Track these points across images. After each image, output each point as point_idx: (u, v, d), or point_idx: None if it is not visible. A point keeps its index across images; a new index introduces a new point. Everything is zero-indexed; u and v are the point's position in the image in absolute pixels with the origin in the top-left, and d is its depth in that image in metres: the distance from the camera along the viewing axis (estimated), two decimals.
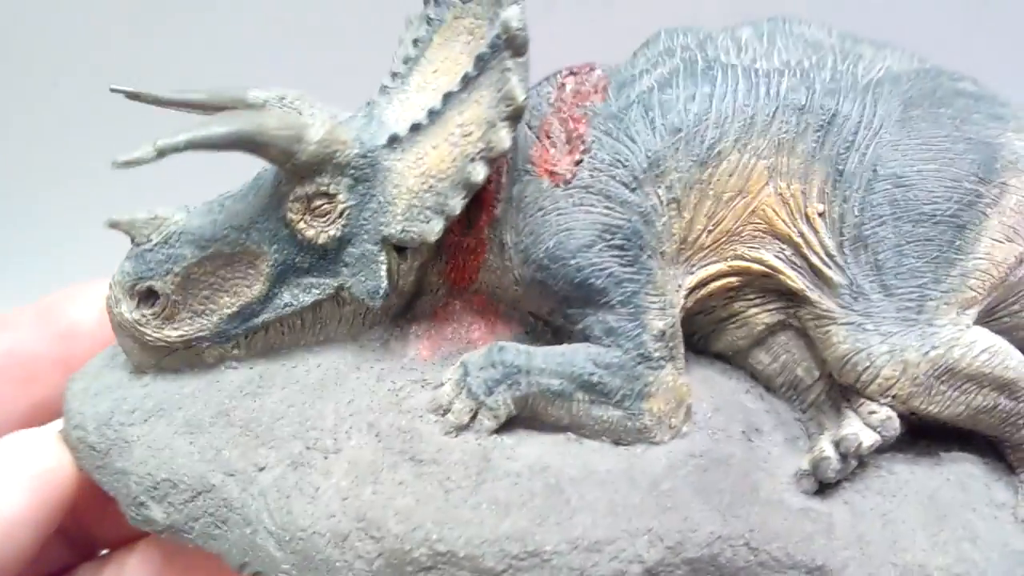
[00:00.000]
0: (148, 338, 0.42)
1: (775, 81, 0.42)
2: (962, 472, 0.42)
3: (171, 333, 0.42)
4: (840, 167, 0.41)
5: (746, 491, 0.40)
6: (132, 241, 0.42)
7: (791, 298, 0.43)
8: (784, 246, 0.42)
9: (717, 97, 0.42)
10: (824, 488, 0.41)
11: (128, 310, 0.42)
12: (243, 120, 0.39)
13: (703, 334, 0.45)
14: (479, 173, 0.40)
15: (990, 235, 0.40)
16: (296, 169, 0.40)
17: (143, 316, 0.42)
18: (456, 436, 0.40)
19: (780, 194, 0.42)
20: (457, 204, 0.41)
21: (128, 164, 0.37)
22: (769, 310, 0.44)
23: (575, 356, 0.41)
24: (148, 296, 0.42)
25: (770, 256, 0.42)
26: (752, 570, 0.38)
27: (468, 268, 0.45)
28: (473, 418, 0.41)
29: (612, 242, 0.41)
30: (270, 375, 0.43)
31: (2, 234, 0.98)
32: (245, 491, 0.39)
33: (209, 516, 0.39)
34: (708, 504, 0.39)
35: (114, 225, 0.42)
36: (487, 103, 0.40)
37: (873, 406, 0.40)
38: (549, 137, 0.43)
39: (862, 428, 0.40)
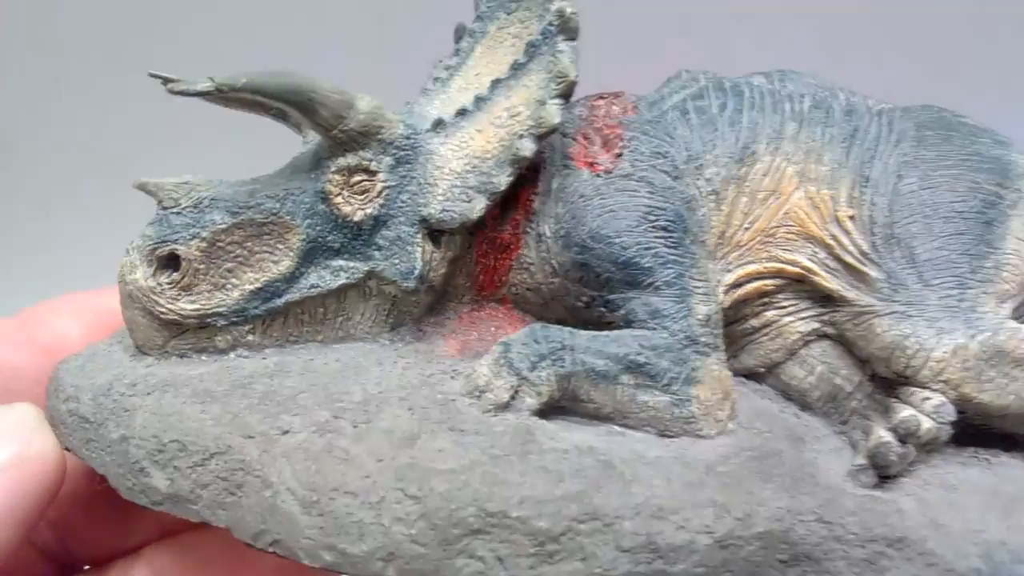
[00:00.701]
0: (161, 309, 0.39)
1: (797, 101, 0.45)
2: (1015, 476, 0.41)
3: (186, 306, 0.39)
4: (866, 174, 0.43)
5: (806, 477, 0.37)
6: (159, 204, 0.40)
7: (825, 304, 0.43)
8: (817, 248, 0.43)
9: (747, 106, 0.44)
10: (883, 482, 0.38)
11: (144, 276, 0.39)
12: (301, 77, 0.39)
13: (735, 349, 0.44)
14: (528, 148, 0.40)
15: (1015, 234, 0.42)
16: (343, 136, 0.40)
17: (159, 284, 0.39)
18: (496, 416, 0.37)
19: (811, 198, 0.43)
20: (503, 180, 0.40)
21: (185, 92, 0.36)
22: (803, 318, 0.43)
23: (620, 337, 0.40)
24: (168, 264, 0.39)
25: (804, 258, 0.43)
26: (827, 546, 0.35)
27: (499, 269, 0.44)
28: (514, 396, 0.38)
29: (657, 223, 0.41)
30: (286, 364, 0.40)
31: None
32: (266, 452, 0.35)
33: (221, 481, 0.34)
34: (771, 484, 0.36)
35: (142, 187, 0.40)
36: (536, 85, 0.41)
37: (926, 393, 0.39)
38: (587, 139, 0.44)
39: (918, 413, 0.39)
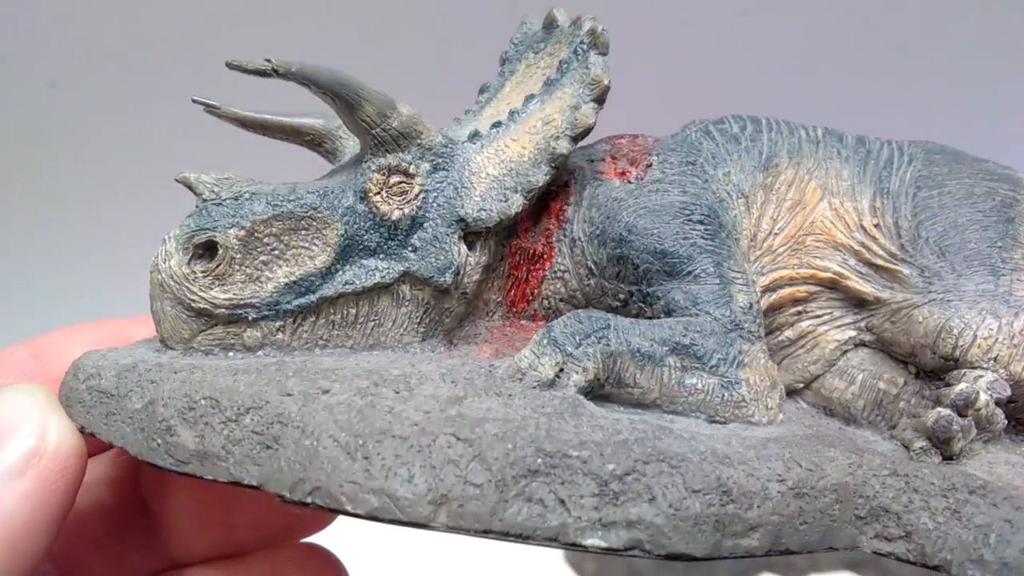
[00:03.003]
0: (193, 297, 0.38)
1: (810, 129, 0.47)
2: None
3: (219, 295, 0.38)
4: (884, 186, 0.44)
5: (869, 448, 0.36)
6: (199, 197, 0.40)
7: (860, 309, 0.43)
8: (846, 255, 0.43)
9: (765, 128, 0.46)
10: (946, 463, 0.37)
11: (178, 263, 0.38)
12: (349, 74, 0.40)
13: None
14: (564, 147, 0.41)
15: None
16: (385, 136, 0.41)
17: (193, 272, 0.38)
18: (541, 390, 0.36)
19: (835, 210, 0.44)
20: (540, 179, 0.41)
21: (243, 70, 0.37)
22: (839, 326, 0.43)
23: (664, 322, 0.39)
24: (204, 253, 0.39)
25: (835, 264, 0.43)
26: (906, 498, 0.33)
27: (531, 281, 0.44)
28: (559, 374, 0.36)
29: (692, 217, 0.41)
30: (315, 362, 0.38)
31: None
32: (305, 407, 0.33)
33: (256, 436, 0.32)
34: (835, 448, 0.35)
35: (183, 180, 0.40)
36: (570, 94, 0.43)
37: (977, 371, 0.39)
38: (614, 159, 0.45)
39: (974, 385, 0.38)
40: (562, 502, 0.30)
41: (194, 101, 0.43)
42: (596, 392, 0.37)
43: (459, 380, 0.35)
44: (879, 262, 0.42)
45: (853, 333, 0.43)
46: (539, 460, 0.30)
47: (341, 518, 0.36)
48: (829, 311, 0.43)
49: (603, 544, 0.30)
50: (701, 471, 0.31)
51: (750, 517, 0.31)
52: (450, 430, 0.31)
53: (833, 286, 0.43)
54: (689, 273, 0.40)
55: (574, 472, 0.30)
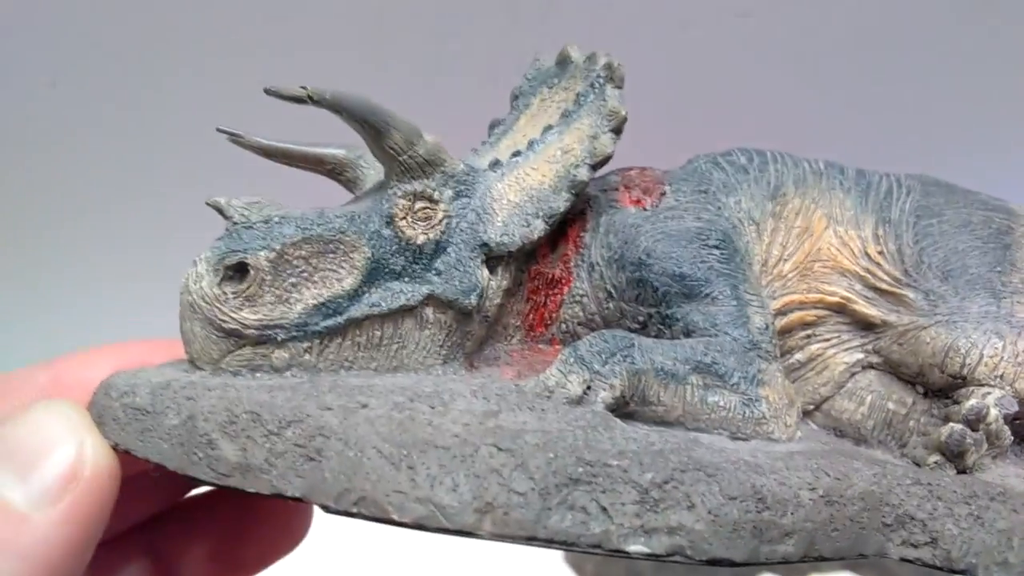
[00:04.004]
0: (223, 318, 0.39)
1: (812, 161, 0.49)
2: None
3: (249, 315, 0.39)
4: (886, 215, 0.46)
5: (887, 461, 0.37)
6: (230, 221, 0.41)
7: (867, 333, 0.44)
8: (853, 281, 0.45)
9: (770, 160, 0.48)
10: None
11: (209, 285, 0.39)
12: (378, 103, 0.42)
13: None
14: (584, 174, 0.43)
15: None
16: (411, 163, 0.42)
17: (224, 293, 0.39)
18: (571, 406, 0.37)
19: (840, 237, 0.46)
20: (560, 204, 0.43)
21: (280, 96, 0.39)
22: (847, 349, 0.45)
23: (685, 342, 0.40)
24: (235, 275, 0.39)
25: (842, 289, 0.45)
26: (929, 505, 0.34)
27: (549, 306, 0.45)
28: (587, 391, 0.37)
29: (707, 242, 0.43)
30: (345, 381, 0.39)
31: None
32: (346, 420, 0.33)
33: (298, 448, 0.33)
34: (858, 460, 0.36)
35: (213, 204, 0.41)
36: (588, 125, 0.44)
37: (985, 388, 0.40)
38: (628, 188, 0.47)
39: (984, 401, 0.39)
40: (604, 510, 0.31)
41: (219, 131, 0.44)
42: (621, 410, 0.38)
43: (491, 396, 0.36)
44: (884, 287, 0.44)
45: (861, 356, 0.44)
46: (580, 469, 0.31)
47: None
48: (837, 334, 0.45)
49: (646, 550, 0.30)
50: (736, 479, 0.32)
51: (785, 523, 0.31)
52: (491, 441, 0.32)
53: (841, 310, 0.45)
54: (707, 295, 0.41)
55: (615, 480, 0.31)
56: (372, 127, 0.41)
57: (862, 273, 0.45)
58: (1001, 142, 0.87)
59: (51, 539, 0.33)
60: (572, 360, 0.38)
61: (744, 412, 0.38)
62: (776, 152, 0.49)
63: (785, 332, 0.44)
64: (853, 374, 0.45)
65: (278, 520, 0.55)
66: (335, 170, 0.47)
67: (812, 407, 0.45)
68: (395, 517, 0.30)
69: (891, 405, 0.43)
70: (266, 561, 0.55)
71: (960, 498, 0.34)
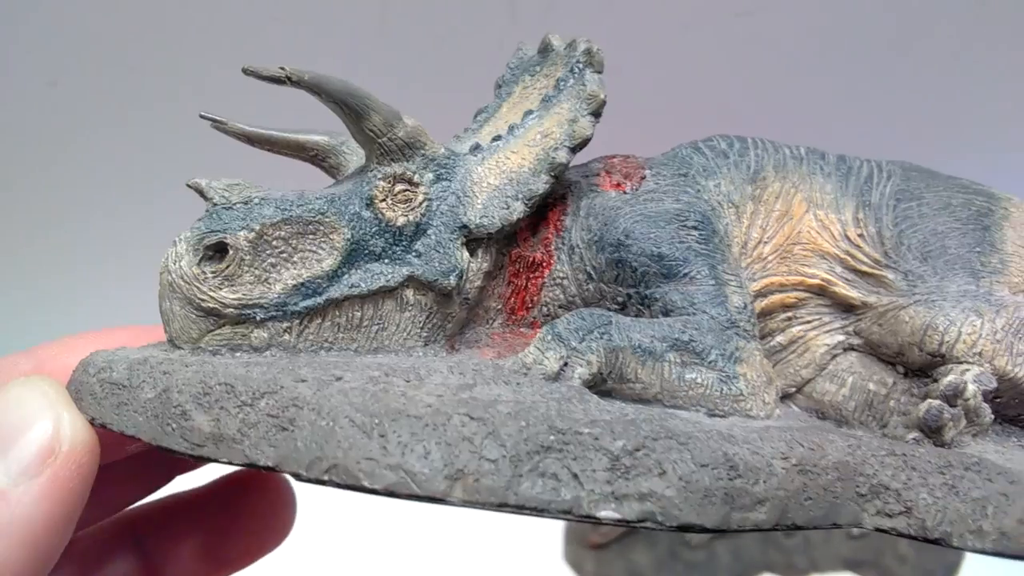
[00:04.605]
0: (202, 297, 0.39)
1: (794, 147, 0.49)
2: None
3: (228, 295, 0.39)
4: (866, 199, 0.47)
5: (864, 435, 0.37)
6: (210, 202, 0.41)
7: (847, 314, 0.44)
8: (833, 263, 0.45)
9: (751, 146, 0.48)
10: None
11: (189, 264, 0.39)
12: (358, 86, 0.42)
13: None
14: (563, 156, 0.43)
15: (1012, 240, 0.45)
16: (390, 144, 0.42)
17: (203, 272, 0.39)
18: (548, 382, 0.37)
19: (820, 221, 0.46)
20: (539, 187, 0.43)
21: (257, 76, 0.39)
22: (828, 331, 0.45)
23: (663, 320, 0.40)
24: (214, 255, 0.40)
25: (822, 272, 0.45)
26: (904, 475, 0.34)
27: (530, 289, 0.45)
28: (564, 367, 0.37)
29: (686, 223, 0.43)
30: (324, 358, 0.39)
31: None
32: (320, 392, 0.33)
33: (271, 419, 0.33)
34: (834, 433, 0.36)
35: (194, 185, 0.41)
36: (568, 109, 0.45)
37: (963, 365, 0.40)
38: (609, 173, 0.47)
39: (962, 377, 0.39)
40: (575, 476, 0.31)
41: (202, 117, 0.44)
42: (599, 387, 0.38)
43: (467, 372, 0.36)
44: (864, 268, 0.44)
45: (842, 337, 0.45)
46: (552, 437, 0.31)
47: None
48: (818, 316, 0.45)
49: (617, 516, 0.30)
50: (708, 447, 0.32)
51: (757, 491, 0.31)
52: (463, 410, 0.32)
53: (821, 292, 0.45)
54: (685, 275, 0.42)
55: (586, 448, 0.31)
56: (351, 109, 0.41)
57: (842, 255, 0.45)
58: (1002, 138, 0.87)
59: (31, 515, 0.33)
60: (550, 338, 0.38)
61: (722, 389, 0.38)
62: (758, 138, 0.49)
63: (766, 314, 0.44)
64: (834, 356, 0.45)
65: (263, 517, 0.55)
66: (318, 156, 0.47)
67: (794, 389, 0.45)
68: (366, 484, 0.30)
69: (872, 386, 0.43)
70: (251, 557, 0.55)
71: (934, 468, 0.34)
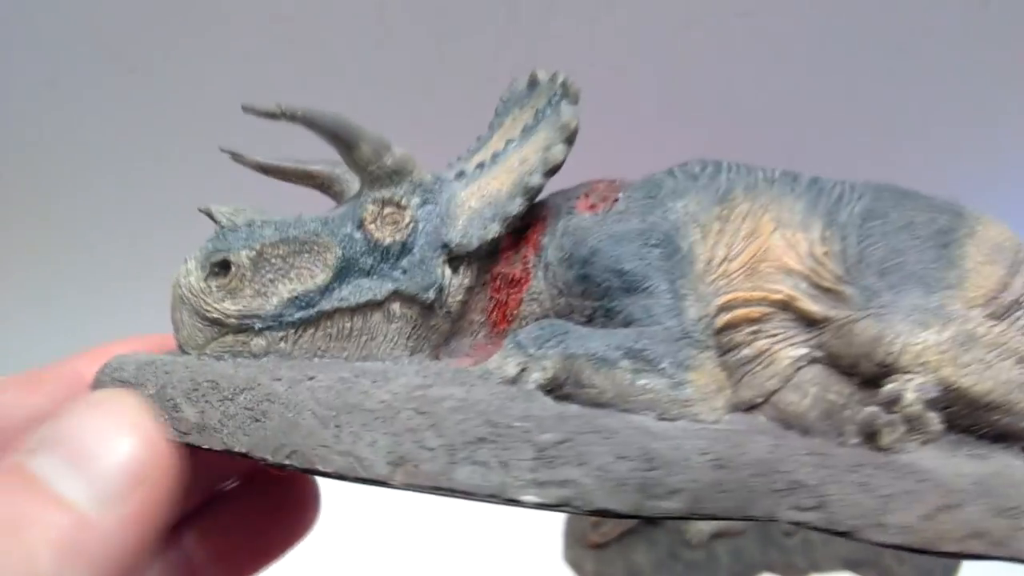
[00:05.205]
0: (207, 308, 0.44)
1: (768, 171, 0.52)
2: (1009, 461, 0.42)
3: (230, 306, 0.44)
4: (833, 218, 0.49)
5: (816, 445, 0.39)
6: (218, 224, 0.46)
7: (812, 329, 0.47)
8: (798, 280, 0.47)
9: (724, 170, 0.51)
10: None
11: (197, 279, 0.44)
12: (349, 119, 0.47)
13: (734, 382, 0.47)
14: (536, 181, 0.47)
15: (973, 256, 0.46)
16: (379, 172, 0.47)
17: (208, 286, 0.44)
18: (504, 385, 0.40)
19: (787, 240, 0.48)
20: (514, 208, 0.47)
21: (255, 112, 0.44)
22: (793, 344, 0.47)
23: (620, 331, 0.43)
24: (220, 270, 0.45)
25: (786, 288, 0.47)
26: (820, 473, 0.36)
27: (510, 304, 0.49)
28: (521, 372, 0.41)
29: (649, 241, 0.46)
30: (306, 363, 0.44)
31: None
32: (291, 389, 0.38)
33: (247, 411, 0.37)
34: (765, 435, 0.38)
35: (204, 211, 0.47)
36: (544, 137, 0.49)
37: (908, 375, 0.42)
38: (587, 196, 0.51)
39: (901, 387, 0.41)
40: (504, 464, 0.34)
41: (222, 151, 0.50)
42: (558, 392, 0.41)
43: (430, 375, 0.40)
44: (827, 284, 0.46)
45: (806, 350, 0.47)
46: (487, 430, 0.35)
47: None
48: (783, 330, 0.47)
49: (538, 500, 0.34)
50: (630, 442, 0.35)
51: (671, 482, 0.34)
52: (413, 406, 0.36)
53: (786, 307, 0.47)
54: (645, 289, 0.45)
55: (516, 440, 0.35)
56: (342, 141, 0.46)
57: (807, 272, 0.47)
58: (1001, 142, 0.86)
59: (118, 542, 0.31)
60: (512, 346, 0.42)
61: (670, 393, 0.41)
62: (733, 163, 0.52)
63: (731, 327, 0.47)
64: (799, 368, 0.47)
65: (290, 509, 0.58)
66: (324, 184, 0.52)
67: (761, 400, 0.47)
68: (319, 467, 0.35)
69: (831, 396, 0.45)
70: (281, 547, 0.58)
71: (848, 467, 0.36)
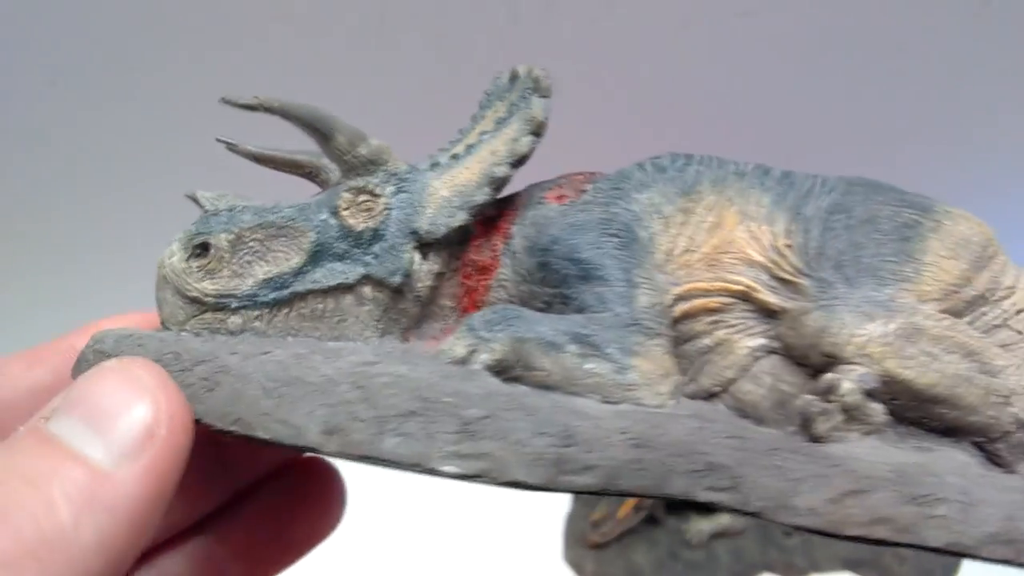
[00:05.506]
0: (188, 287, 0.47)
1: (741, 165, 0.52)
2: (950, 455, 0.42)
3: (208, 286, 0.47)
4: (800, 211, 0.49)
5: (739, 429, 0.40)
6: (203, 209, 0.49)
7: (770, 320, 0.47)
8: (759, 272, 0.48)
9: (695, 162, 0.52)
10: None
11: (179, 260, 0.47)
12: (326, 110, 0.49)
13: (694, 371, 0.48)
14: (502, 171, 0.49)
15: (934, 250, 0.46)
16: (355, 161, 0.49)
17: (189, 266, 0.47)
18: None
19: (751, 232, 0.49)
20: (480, 197, 0.49)
21: (234, 104, 0.47)
22: (752, 334, 0.48)
23: (571, 317, 0.45)
24: (201, 252, 0.48)
25: (747, 279, 0.48)
26: (737, 455, 0.37)
27: (479, 290, 0.50)
28: (471, 354, 0.43)
29: (608, 231, 0.48)
30: (272, 340, 0.46)
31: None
32: (245, 362, 0.40)
33: (203, 381, 0.40)
34: (693, 419, 0.39)
35: (191, 196, 0.50)
36: (513, 130, 0.50)
37: (850, 366, 0.42)
38: (560, 187, 0.52)
39: (839, 376, 0.42)
40: (429, 436, 0.36)
41: (218, 140, 0.53)
42: (508, 374, 0.43)
43: (381, 353, 0.42)
44: (786, 276, 0.47)
45: (764, 341, 0.47)
46: (417, 404, 0.37)
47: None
48: (743, 321, 0.48)
49: (457, 471, 0.35)
50: (551, 419, 0.36)
51: (588, 459, 0.36)
52: (351, 380, 0.38)
53: (745, 298, 0.48)
54: (600, 277, 0.46)
55: (442, 414, 0.37)
56: (319, 131, 0.49)
57: (768, 264, 0.48)
58: (1000, 142, 0.84)
59: (133, 494, 0.34)
60: (464, 329, 0.44)
61: (615, 378, 0.43)
62: (706, 156, 0.53)
63: (690, 317, 0.48)
64: (757, 358, 0.47)
65: (314, 507, 0.60)
66: (312, 173, 0.55)
67: (720, 389, 0.48)
68: (259, 434, 0.37)
69: (784, 386, 0.46)
70: (309, 542, 0.59)
71: (765, 451, 0.37)
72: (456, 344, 0.43)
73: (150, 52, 0.89)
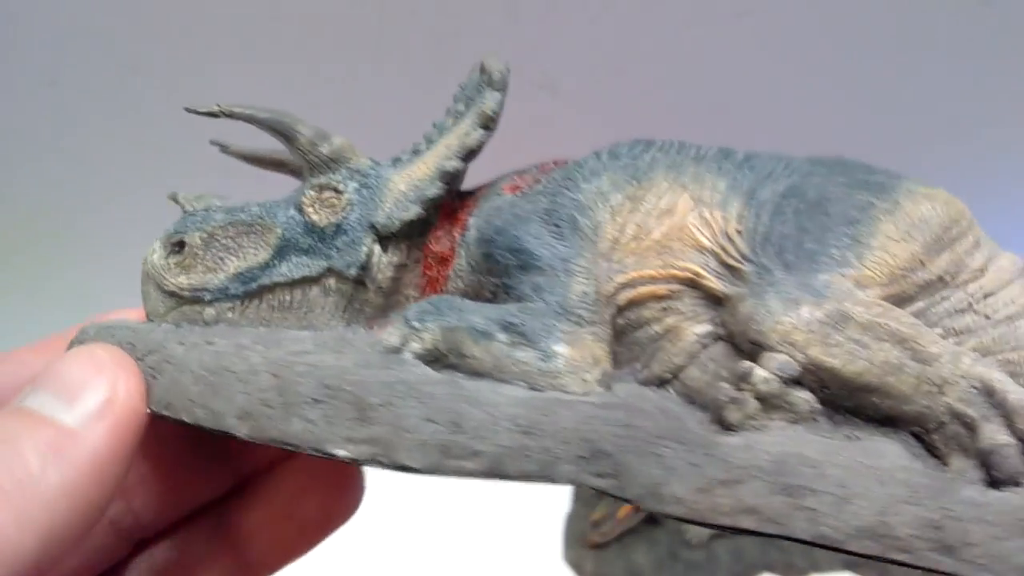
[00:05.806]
0: (165, 282, 0.51)
1: (704, 149, 0.52)
2: (874, 447, 0.40)
3: (183, 280, 0.51)
4: (755, 195, 0.48)
5: (660, 418, 0.40)
6: (183, 210, 0.53)
7: (717, 307, 0.47)
8: (708, 258, 0.47)
9: (654, 148, 0.51)
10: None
11: (159, 257, 0.51)
12: (286, 113, 0.52)
13: (646, 358, 0.48)
14: (452, 165, 0.50)
15: (885, 233, 0.45)
16: (317, 160, 0.52)
17: (167, 263, 0.51)
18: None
19: (704, 218, 0.48)
20: (432, 191, 0.50)
21: (196, 111, 0.50)
22: (700, 321, 0.47)
23: (504, 306, 0.46)
24: (178, 249, 0.52)
25: (695, 265, 0.47)
26: (618, 443, 0.37)
27: (439, 280, 0.52)
28: (403, 343, 0.45)
29: (549, 222, 0.48)
30: (232, 330, 0.49)
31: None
32: (187, 352, 0.44)
33: (150, 370, 0.44)
34: (589, 404, 0.40)
35: (172, 197, 0.54)
36: (468, 123, 0.52)
37: (773, 354, 0.42)
38: (520, 177, 0.53)
39: (755, 365, 0.41)
40: (329, 422, 0.38)
41: (211, 143, 0.57)
42: (443, 362, 0.45)
43: (320, 342, 0.45)
44: (732, 262, 0.46)
45: (711, 328, 0.47)
46: (322, 391, 0.39)
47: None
48: (692, 308, 0.47)
49: (349, 455, 0.38)
50: (443, 407, 0.38)
51: (474, 445, 0.37)
52: (273, 370, 0.41)
53: (693, 285, 0.47)
54: (536, 267, 0.47)
55: (343, 401, 0.39)
56: (281, 134, 0.52)
57: (717, 250, 0.47)
58: (1003, 139, 0.78)
59: (94, 447, 0.40)
60: (400, 320, 0.46)
61: (540, 365, 0.43)
62: (668, 141, 0.52)
63: (637, 303, 0.48)
64: (705, 346, 0.47)
65: (335, 486, 0.61)
66: (294, 171, 0.58)
67: (670, 375, 0.48)
68: (184, 418, 0.40)
69: (725, 373, 0.45)
70: (326, 525, 0.61)
71: (650, 439, 0.37)
72: (391, 334, 0.45)
73: (150, 52, 0.91)
